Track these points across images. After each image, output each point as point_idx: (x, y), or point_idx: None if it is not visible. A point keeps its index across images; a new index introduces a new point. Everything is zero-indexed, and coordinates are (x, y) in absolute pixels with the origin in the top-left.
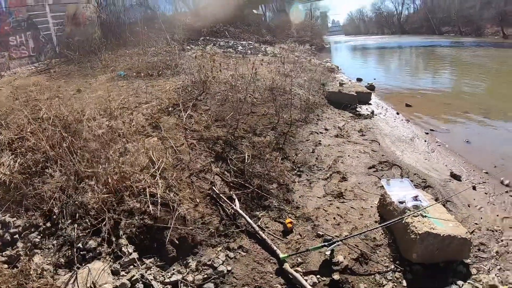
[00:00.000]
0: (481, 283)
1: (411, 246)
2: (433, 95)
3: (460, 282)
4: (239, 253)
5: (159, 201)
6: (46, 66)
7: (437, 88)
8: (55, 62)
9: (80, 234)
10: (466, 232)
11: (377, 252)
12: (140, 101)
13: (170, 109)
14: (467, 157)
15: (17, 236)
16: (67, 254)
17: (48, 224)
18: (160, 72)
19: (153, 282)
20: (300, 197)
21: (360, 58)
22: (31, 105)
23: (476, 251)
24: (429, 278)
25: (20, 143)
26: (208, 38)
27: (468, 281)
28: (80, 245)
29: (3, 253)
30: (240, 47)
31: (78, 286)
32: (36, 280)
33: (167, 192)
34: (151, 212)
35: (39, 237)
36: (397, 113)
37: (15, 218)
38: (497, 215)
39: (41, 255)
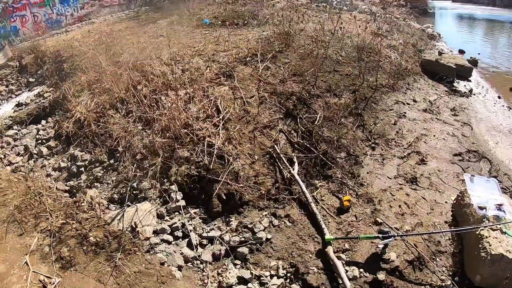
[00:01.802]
0: None
1: (478, 265)
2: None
3: None
4: (284, 222)
5: (215, 152)
6: (135, 13)
7: None
8: (144, 10)
9: (138, 174)
10: None
11: (437, 259)
12: (218, 49)
13: (248, 59)
14: None
15: (82, 169)
16: (121, 191)
17: (112, 161)
18: (246, 22)
19: (191, 233)
20: (368, 173)
21: (466, 28)
22: (113, 51)
23: None
24: None
25: (98, 84)
26: None
27: None
28: (134, 184)
29: (68, 183)
30: (335, 2)
31: (123, 223)
32: (87, 211)
33: (226, 144)
34: (206, 162)
35: (102, 172)
36: (499, 97)
37: (83, 153)
38: None
39: (100, 189)
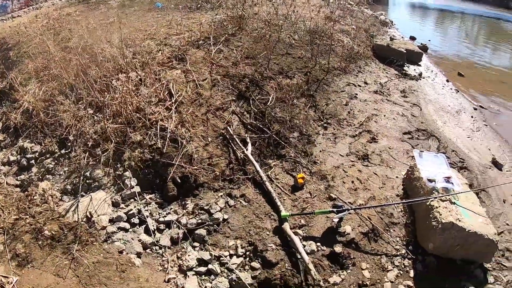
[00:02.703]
0: None
1: (430, 234)
2: (490, 70)
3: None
4: (240, 202)
5: (168, 135)
6: None
7: (496, 64)
8: None
9: (91, 162)
10: (495, 233)
11: (391, 230)
12: (171, 33)
13: (200, 42)
14: None
15: (33, 161)
16: (74, 181)
17: (63, 151)
18: (199, 5)
19: (148, 219)
20: (320, 151)
21: (418, 16)
22: (61, 35)
23: (499, 257)
24: (439, 274)
25: (47, 71)
26: None
27: None
28: (88, 173)
29: (18, 177)
30: None
31: (77, 213)
32: (40, 205)
33: (179, 127)
34: (159, 146)
35: (53, 163)
36: (447, 81)
37: (33, 144)
38: None
39: (52, 181)
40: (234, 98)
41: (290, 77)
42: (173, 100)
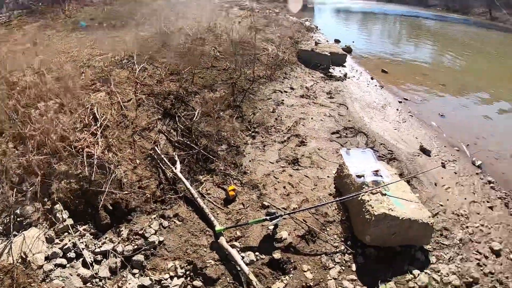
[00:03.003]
0: (439, 273)
1: (365, 227)
2: (412, 64)
3: (416, 272)
4: (174, 222)
5: (95, 162)
6: (7, 18)
7: (417, 59)
8: (17, 14)
9: (20, 199)
10: (429, 216)
11: (327, 229)
12: (94, 53)
13: (124, 61)
14: (439, 132)
15: None
16: (5, 221)
17: None
18: (123, 23)
19: (84, 252)
20: (250, 161)
21: (343, 20)
22: None
23: (438, 236)
24: (382, 263)
25: None
26: None
27: (425, 270)
28: (18, 211)
29: None
30: (217, 0)
31: (12, 255)
32: None
33: (106, 152)
34: (86, 174)
35: None
36: (372, 78)
37: None
38: (465, 198)
39: None
40: (160, 117)
41: (215, 90)
42: (99, 125)
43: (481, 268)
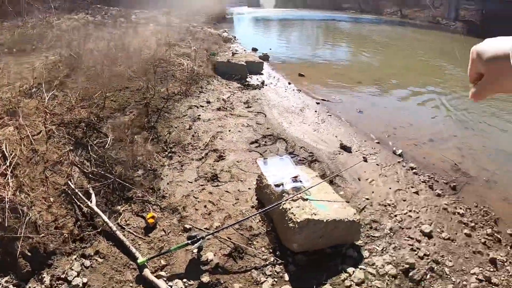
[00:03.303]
0: (374, 266)
1: (291, 235)
2: (328, 66)
3: (350, 269)
4: (96, 260)
5: (6, 206)
6: None
7: (333, 60)
8: None
9: None
10: (355, 213)
11: (254, 243)
12: (1, 83)
13: (33, 90)
14: (359, 127)
15: None
16: None
17: None
18: (34, 47)
19: None
20: (168, 183)
21: (261, 29)
22: None
23: (368, 230)
24: (315, 268)
25: None
26: (99, 6)
27: (360, 266)
28: None
29: None
30: (133, 16)
31: None
32: None
33: (18, 193)
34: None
35: None
36: (289, 83)
37: None
38: (390, 188)
39: None
40: (71, 148)
41: (129, 112)
42: (8, 163)
43: (415, 252)
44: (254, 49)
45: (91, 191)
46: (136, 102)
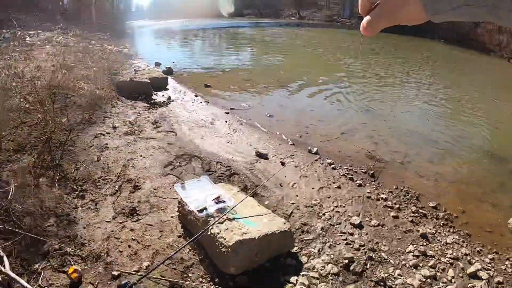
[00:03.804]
0: (315, 270)
1: (226, 260)
2: (234, 73)
3: (293, 279)
4: None
5: None
6: None
7: (238, 66)
8: None
9: None
10: (284, 223)
11: (190, 275)
12: None
13: None
14: (272, 132)
15: None
16: None
17: None
18: None
19: None
20: (85, 228)
21: (163, 41)
22: None
23: (300, 234)
24: (258, 285)
25: None
26: None
27: (301, 273)
28: None
29: None
30: (28, 38)
31: None
32: None
33: None
34: None
35: None
36: (196, 96)
37: None
38: (313, 188)
39: None
40: None
41: (29, 153)
42: None
43: (351, 245)
44: (157, 64)
45: (1, 253)
46: (36, 139)
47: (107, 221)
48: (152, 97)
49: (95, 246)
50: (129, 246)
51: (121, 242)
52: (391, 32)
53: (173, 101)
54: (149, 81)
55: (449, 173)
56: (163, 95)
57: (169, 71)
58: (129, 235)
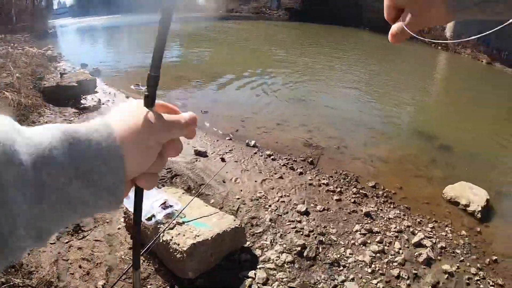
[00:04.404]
0: (271, 261)
1: (182, 265)
2: (165, 70)
3: (251, 273)
4: None
5: None
6: None
7: (168, 63)
8: None
9: None
10: (234, 219)
11: (148, 287)
12: None
13: None
14: (208, 128)
15: None
16: None
17: None
18: None
19: None
20: (29, 254)
21: (88, 41)
22: None
23: (250, 228)
24: (218, 285)
25: None
26: None
27: (258, 266)
28: None
29: None
30: None
31: None
32: None
33: None
34: None
35: None
36: (127, 97)
37: None
38: (255, 181)
39: None
40: None
41: None
42: None
43: (301, 233)
44: (84, 65)
45: None
46: None
47: (51, 243)
48: (81, 101)
49: (44, 272)
50: (80, 266)
51: (70, 263)
52: (316, 23)
53: (103, 104)
54: (76, 84)
55: (384, 153)
56: (92, 99)
57: (97, 72)
58: (77, 255)
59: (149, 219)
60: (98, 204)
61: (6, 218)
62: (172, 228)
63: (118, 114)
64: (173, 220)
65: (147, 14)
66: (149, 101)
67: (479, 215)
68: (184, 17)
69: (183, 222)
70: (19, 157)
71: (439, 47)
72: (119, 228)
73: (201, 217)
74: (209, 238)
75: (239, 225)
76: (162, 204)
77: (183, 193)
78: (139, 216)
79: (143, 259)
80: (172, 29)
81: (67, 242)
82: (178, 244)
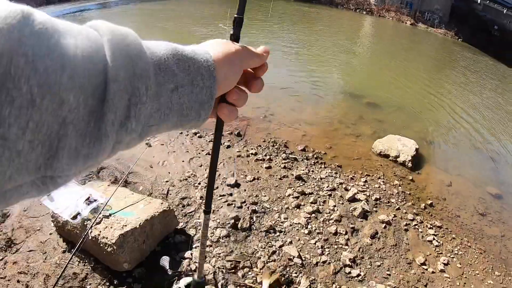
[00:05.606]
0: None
1: (116, 258)
2: None
3: (187, 254)
4: None
5: None
6: None
7: None
8: None
9: None
10: (162, 203)
11: (87, 287)
12: None
13: None
14: None
15: None
16: None
17: None
18: None
19: None
20: None
21: None
22: None
23: (182, 209)
24: (156, 272)
25: None
26: None
27: (194, 245)
28: None
29: None
30: None
31: None
32: None
33: None
34: None
35: None
36: None
37: None
38: (183, 161)
39: None
40: None
41: None
42: None
43: (233, 205)
44: None
45: None
46: None
47: None
48: None
49: None
50: (18, 281)
51: (8, 280)
52: None
53: None
54: None
55: (311, 117)
56: None
57: None
58: (14, 270)
59: (75, 217)
60: (189, 115)
61: (134, 107)
62: (99, 223)
63: (210, 45)
64: (99, 214)
65: (69, 3)
66: (235, 38)
67: (410, 164)
68: (103, 3)
69: (110, 215)
70: (146, 59)
71: (364, 12)
72: (50, 234)
73: (127, 206)
74: (137, 226)
75: (167, 207)
76: (86, 199)
77: (108, 185)
78: (216, 155)
79: (78, 260)
80: (92, 18)
81: (1, 260)
82: (107, 238)
